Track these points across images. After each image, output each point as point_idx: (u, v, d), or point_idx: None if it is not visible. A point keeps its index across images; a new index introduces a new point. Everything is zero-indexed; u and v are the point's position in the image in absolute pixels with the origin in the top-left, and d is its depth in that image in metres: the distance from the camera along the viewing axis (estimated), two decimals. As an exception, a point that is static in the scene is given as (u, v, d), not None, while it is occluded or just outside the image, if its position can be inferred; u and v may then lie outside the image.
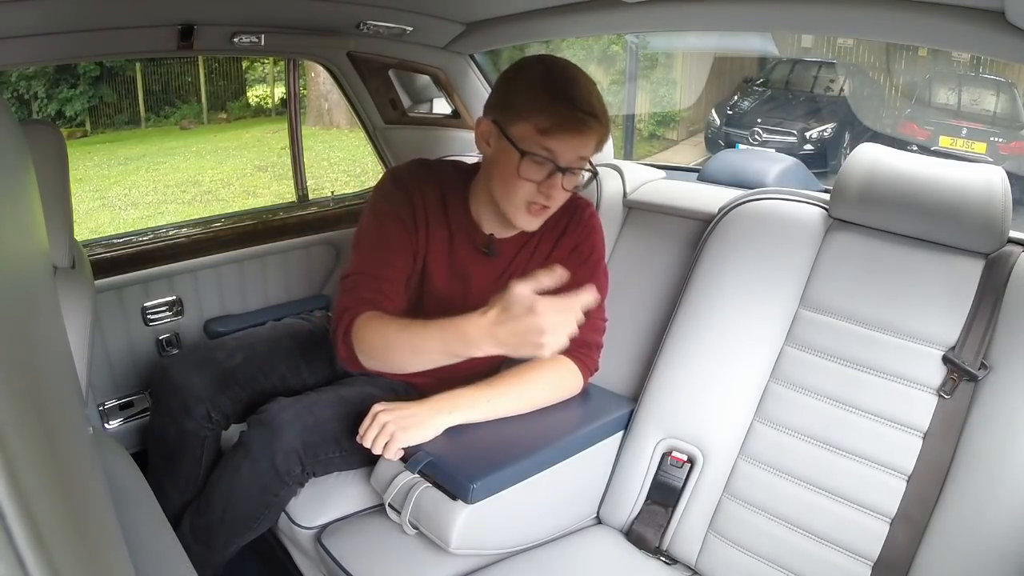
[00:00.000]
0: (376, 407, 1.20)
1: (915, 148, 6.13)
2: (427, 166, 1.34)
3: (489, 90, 2.00)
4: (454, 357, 1.12)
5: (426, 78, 2.02)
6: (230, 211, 2.39)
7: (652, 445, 1.28)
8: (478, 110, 2.02)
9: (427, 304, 1.34)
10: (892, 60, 7.86)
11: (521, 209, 1.22)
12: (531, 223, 1.25)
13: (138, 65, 8.30)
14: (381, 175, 1.39)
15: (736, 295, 1.27)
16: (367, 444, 1.18)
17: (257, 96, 9.67)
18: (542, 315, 1.00)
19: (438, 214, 1.30)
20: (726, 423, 1.23)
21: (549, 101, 1.15)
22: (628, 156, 7.65)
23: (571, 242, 1.34)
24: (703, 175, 1.75)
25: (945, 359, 1.08)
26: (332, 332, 1.23)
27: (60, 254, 0.97)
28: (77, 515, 0.45)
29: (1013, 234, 1.13)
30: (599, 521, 1.34)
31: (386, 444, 1.16)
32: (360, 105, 1.98)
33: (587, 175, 1.25)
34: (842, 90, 7.65)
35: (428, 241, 1.30)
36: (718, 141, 7.60)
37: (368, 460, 1.26)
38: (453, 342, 1.09)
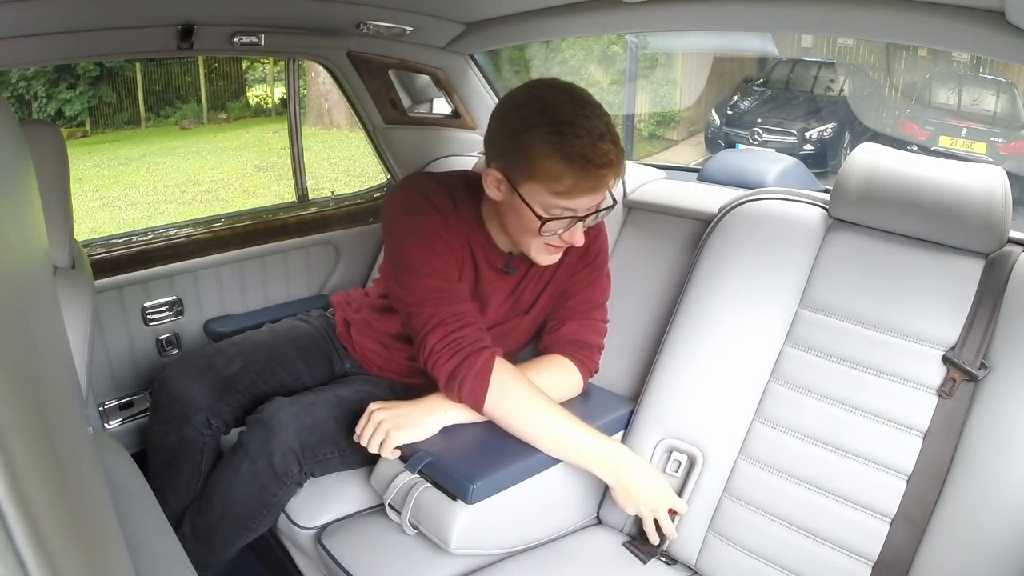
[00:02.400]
0: (372, 406, 1.20)
1: (915, 148, 6.13)
2: (439, 181, 1.28)
3: (489, 91, 2.01)
4: (583, 463, 1.19)
5: (426, 78, 2.02)
6: (230, 211, 2.39)
7: (652, 445, 1.28)
8: (478, 110, 2.03)
9: None
10: (892, 60, 7.86)
11: (542, 252, 1.21)
12: (552, 259, 1.24)
13: (138, 65, 8.31)
14: (393, 188, 1.34)
15: (736, 295, 1.27)
16: (363, 443, 1.18)
17: (257, 96, 9.67)
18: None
19: (463, 235, 1.26)
20: (726, 423, 1.23)
21: (566, 167, 1.07)
22: (628, 156, 7.62)
23: (581, 246, 1.34)
24: (703, 175, 1.75)
25: (945, 359, 1.08)
26: (454, 368, 1.16)
27: (60, 254, 0.97)
28: (77, 515, 0.45)
29: (1013, 234, 1.12)
30: (599, 521, 1.34)
31: (382, 442, 1.16)
32: (360, 105, 1.98)
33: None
34: (842, 90, 7.64)
35: (462, 265, 1.27)
36: (718, 141, 7.59)
37: (367, 460, 1.26)
38: (604, 461, 1.18)
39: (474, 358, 1.16)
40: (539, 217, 1.12)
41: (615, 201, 1.20)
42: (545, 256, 1.23)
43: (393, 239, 1.24)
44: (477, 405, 1.18)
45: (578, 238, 1.17)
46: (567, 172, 1.07)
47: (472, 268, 1.28)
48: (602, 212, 1.19)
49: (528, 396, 1.18)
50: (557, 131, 1.06)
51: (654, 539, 1.19)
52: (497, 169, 1.15)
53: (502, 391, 1.17)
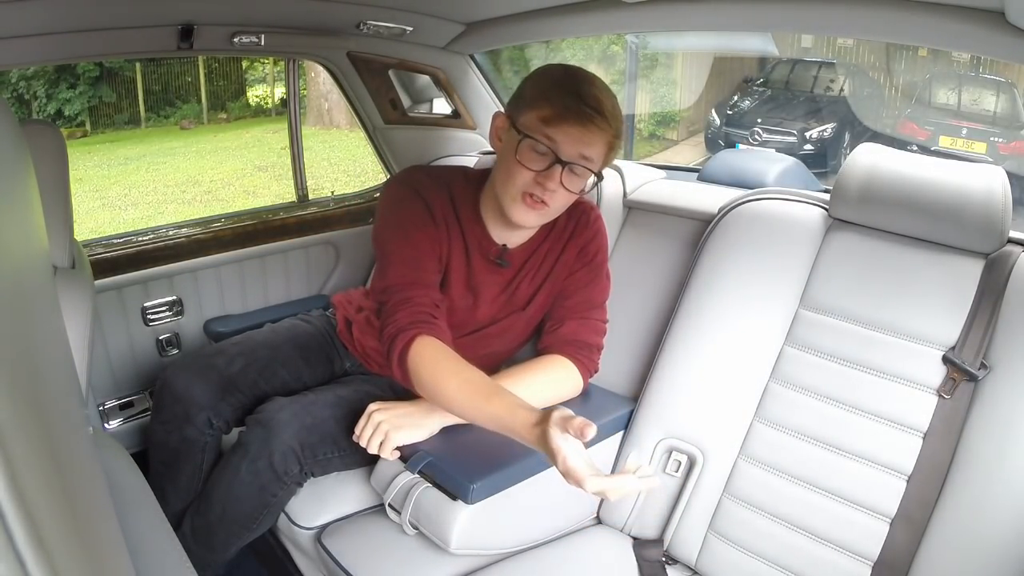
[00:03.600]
0: (372, 406, 1.20)
1: (915, 148, 6.13)
2: (435, 174, 1.31)
3: (489, 91, 2.01)
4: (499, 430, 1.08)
5: (426, 78, 2.02)
6: (230, 211, 2.39)
7: (652, 445, 1.28)
8: (478, 110, 2.03)
9: None
10: (892, 60, 7.86)
11: (517, 200, 1.19)
12: (526, 217, 1.21)
13: (138, 65, 8.30)
14: (385, 181, 1.37)
15: (736, 295, 1.27)
16: (363, 443, 1.18)
17: (257, 96, 9.67)
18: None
19: (455, 225, 1.28)
20: (726, 423, 1.23)
21: (556, 92, 1.16)
22: (628, 156, 7.65)
23: (577, 245, 1.34)
24: (703, 175, 1.75)
25: (945, 359, 1.08)
26: (387, 353, 1.19)
27: (60, 254, 0.97)
28: (77, 515, 0.45)
29: (1013, 234, 1.12)
30: (599, 521, 1.34)
31: (381, 443, 1.16)
32: (360, 105, 1.98)
33: (591, 179, 1.22)
34: (842, 90, 7.64)
35: (450, 253, 1.28)
36: (718, 141, 7.60)
37: (367, 460, 1.26)
38: (506, 428, 1.05)
39: (394, 348, 1.16)
40: (520, 132, 1.16)
41: (601, 177, 1.24)
42: (521, 210, 1.20)
43: (376, 228, 1.29)
44: (406, 383, 1.18)
45: (554, 188, 1.17)
46: (556, 97, 1.15)
47: (464, 258, 1.29)
48: (584, 174, 1.19)
49: (438, 372, 1.13)
50: (566, 73, 1.19)
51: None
52: (505, 113, 1.23)
53: (415, 371, 1.14)
